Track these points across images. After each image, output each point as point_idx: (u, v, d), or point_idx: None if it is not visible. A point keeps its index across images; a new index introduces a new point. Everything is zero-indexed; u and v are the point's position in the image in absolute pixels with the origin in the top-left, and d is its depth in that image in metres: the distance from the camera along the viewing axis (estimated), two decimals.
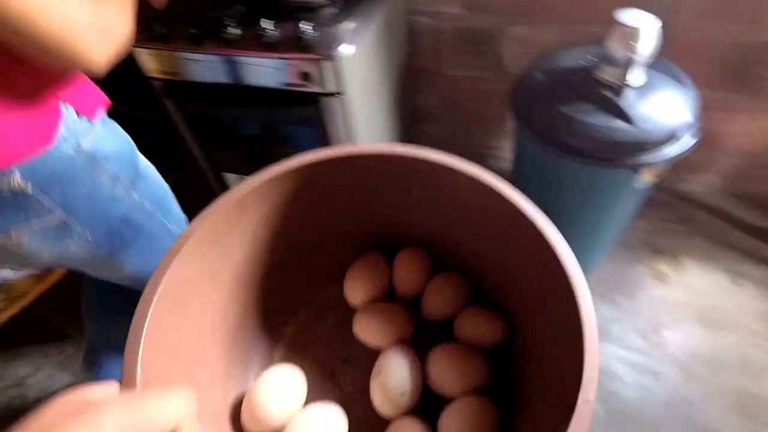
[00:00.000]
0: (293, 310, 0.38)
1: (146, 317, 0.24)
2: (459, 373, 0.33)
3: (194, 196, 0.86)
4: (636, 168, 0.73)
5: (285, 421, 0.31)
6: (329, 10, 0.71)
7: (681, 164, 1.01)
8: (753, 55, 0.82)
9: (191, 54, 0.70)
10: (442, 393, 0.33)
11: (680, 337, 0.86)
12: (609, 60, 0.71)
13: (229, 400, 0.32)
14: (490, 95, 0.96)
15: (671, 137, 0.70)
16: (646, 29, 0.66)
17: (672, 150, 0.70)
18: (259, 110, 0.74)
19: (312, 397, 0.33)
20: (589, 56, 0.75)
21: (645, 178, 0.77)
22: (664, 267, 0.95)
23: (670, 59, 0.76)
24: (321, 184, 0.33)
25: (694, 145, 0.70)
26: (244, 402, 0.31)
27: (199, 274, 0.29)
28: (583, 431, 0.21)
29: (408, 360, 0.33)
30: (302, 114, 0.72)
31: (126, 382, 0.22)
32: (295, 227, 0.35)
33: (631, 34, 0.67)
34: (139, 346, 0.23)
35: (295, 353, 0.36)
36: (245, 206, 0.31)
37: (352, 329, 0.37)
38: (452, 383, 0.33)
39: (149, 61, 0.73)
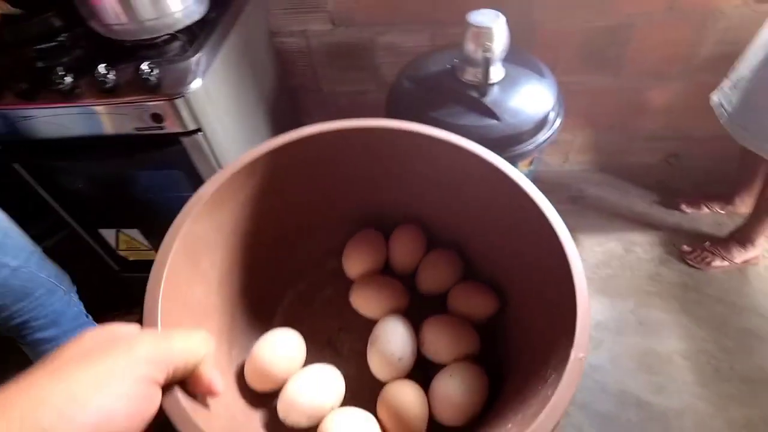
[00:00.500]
0: (293, 281, 0.40)
1: (165, 265, 0.25)
2: (451, 341, 0.34)
3: (76, 257, 0.80)
4: (511, 161, 0.75)
5: (287, 377, 0.32)
6: (173, 45, 0.68)
7: (561, 147, 1.08)
8: (607, 38, 0.88)
9: (25, 111, 0.64)
10: (435, 360, 0.35)
11: None
12: (468, 61, 0.73)
13: (233, 359, 0.33)
14: (374, 107, 0.96)
15: (538, 126, 0.73)
16: (497, 28, 0.68)
17: (540, 137, 0.73)
18: (116, 160, 0.69)
19: (310, 360, 0.35)
20: (454, 59, 0.77)
21: (522, 167, 0.80)
22: None
23: (532, 52, 0.79)
24: (323, 157, 0.35)
25: (558, 129, 0.74)
26: (247, 360, 0.33)
27: (210, 233, 0.30)
28: (573, 385, 0.22)
29: (404, 327, 0.35)
30: (164, 157, 0.68)
31: (147, 324, 0.24)
32: (298, 200, 0.37)
33: (484, 34, 0.69)
34: (159, 290, 0.24)
35: (293, 320, 0.38)
36: (253, 173, 0.32)
37: (348, 301, 0.38)
38: (445, 350, 0.34)
39: None
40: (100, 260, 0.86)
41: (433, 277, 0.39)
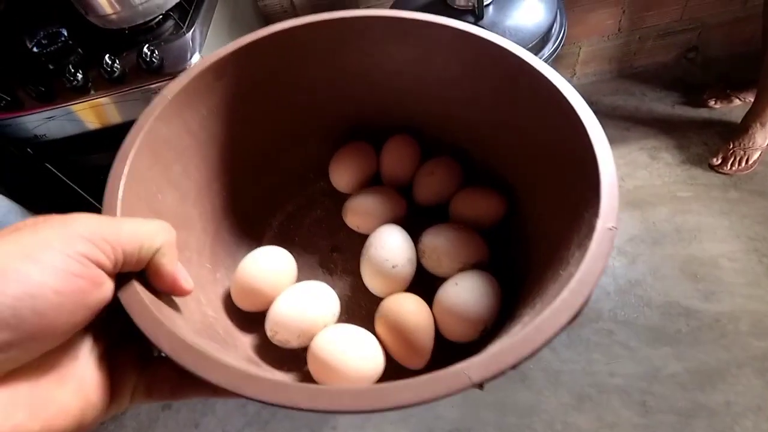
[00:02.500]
0: (280, 203, 0.39)
1: (126, 160, 0.23)
2: (455, 249, 0.31)
3: None
4: None
5: (276, 295, 0.30)
6: (167, 25, 0.71)
7: (566, 62, 1.04)
8: None
9: (47, 112, 0.70)
10: (438, 272, 0.32)
11: None
12: None
13: (218, 280, 0.32)
14: None
15: (542, 41, 0.72)
16: None
17: (545, 52, 0.72)
18: None
19: (301, 281, 0.34)
20: None
21: None
22: None
23: None
24: (297, 58, 0.33)
25: (562, 41, 0.72)
26: (233, 278, 0.31)
27: (180, 138, 0.29)
28: (602, 257, 0.19)
29: (399, 233, 0.32)
30: None
31: (106, 212, 0.22)
32: (277, 112, 0.35)
33: None
34: (120, 182, 0.22)
35: (283, 243, 0.36)
36: (223, 73, 0.30)
37: (340, 220, 0.36)
38: (448, 259, 0.31)
39: (12, 131, 0.73)
40: None
41: (431, 185, 0.36)
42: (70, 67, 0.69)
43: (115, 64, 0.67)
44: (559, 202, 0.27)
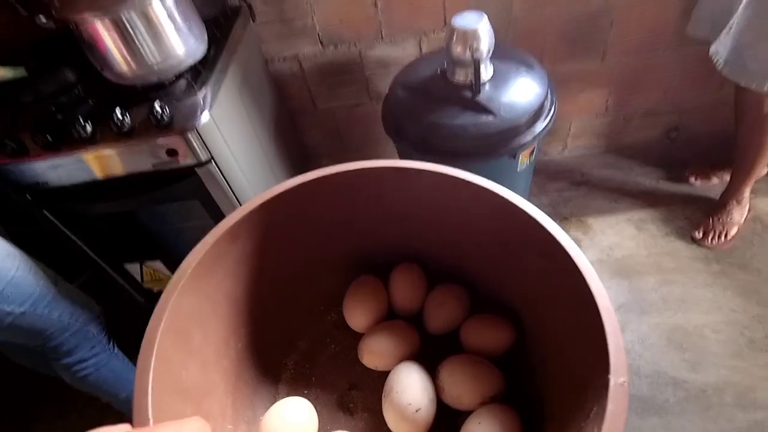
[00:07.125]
0: (294, 341, 0.40)
1: (152, 354, 0.25)
2: (473, 383, 0.33)
3: (105, 292, 0.88)
4: (512, 153, 0.82)
5: None
6: (180, 84, 0.76)
7: (558, 135, 1.13)
8: (589, 24, 0.94)
9: (52, 161, 0.73)
10: (458, 406, 0.34)
11: None
12: (457, 63, 0.80)
13: None
14: (369, 118, 1.04)
15: (534, 116, 0.79)
16: (482, 28, 0.76)
17: (538, 127, 0.80)
18: (138, 196, 0.77)
19: (323, 428, 0.34)
20: (444, 62, 0.84)
21: (523, 159, 0.86)
22: (574, 233, 1.05)
23: (516, 46, 0.86)
24: (308, 208, 0.35)
25: (554, 117, 0.80)
26: None
27: (199, 307, 0.30)
28: (621, 417, 0.20)
29: (418, 374, 0.34)
30: (182, 188, 0.76)
31: (138, 421, 0.23)
32: (288, 256, 0.37)
33: (469, 36, 0.76)
34: (148, 384, 0.24)
35: (300, 385, 0.38)
36: (236, 237, 0.32)
37: (354, 355, 0.38)
38: (468, 394, 0.33)
39: (14, 177, 0.75)
40: (128, 297, 0.94)
41: (442, 315, 0.38)
42: (80, 118, 0.73)
43: (126, 119, 0.71)
44: (566, 341, 0.28)
